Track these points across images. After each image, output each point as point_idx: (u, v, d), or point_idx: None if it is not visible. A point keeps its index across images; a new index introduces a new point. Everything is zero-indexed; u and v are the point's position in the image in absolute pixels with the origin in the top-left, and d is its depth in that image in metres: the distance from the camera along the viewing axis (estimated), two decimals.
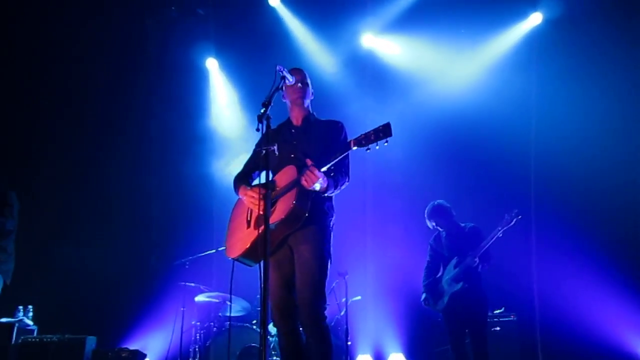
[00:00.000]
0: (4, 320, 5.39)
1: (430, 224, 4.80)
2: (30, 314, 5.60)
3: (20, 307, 5.55)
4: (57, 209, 6.44)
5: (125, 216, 6.70)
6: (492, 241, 4.49)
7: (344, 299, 5.45)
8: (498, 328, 5.40)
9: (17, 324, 5.33)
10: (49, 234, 6.34)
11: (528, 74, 6.45)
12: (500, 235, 4.48)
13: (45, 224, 6.24)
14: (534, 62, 6.48)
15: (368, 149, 2.73)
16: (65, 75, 6.56)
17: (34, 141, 6.52)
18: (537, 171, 6.32)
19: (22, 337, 5.26)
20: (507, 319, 5.49)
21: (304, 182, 2.78)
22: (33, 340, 5.25)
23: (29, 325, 5.52)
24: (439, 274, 4.74)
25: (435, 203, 4.80)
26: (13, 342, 5.20)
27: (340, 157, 2.83)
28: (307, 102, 3.21)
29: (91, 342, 5.39)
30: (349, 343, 5.42)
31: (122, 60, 6.81)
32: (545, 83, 6.30)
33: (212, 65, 7.26)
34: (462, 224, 4.80)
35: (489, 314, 5.24)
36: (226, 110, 7.28)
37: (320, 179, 2.79)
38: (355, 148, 2.77)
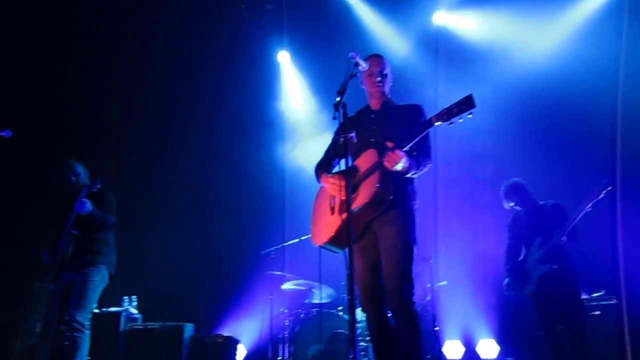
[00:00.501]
0: (112, 309, 5.88)
1: (507, 205, 4.56)
2: (135, 303, 6.05)
3: (126, 297, 6.02)
4: (148, 201, 6.88)
5: (215, 209, 7.02)
6: (579, 217, 4.17)
7: (429, 285, 5.38)
8: (598, 312, 5.07)
9: (123, 313, 5.78)
10: (146, 229, 6.80)
11: (615, 38, 5.92)
12: (589, 209, 4.16)
13: (140, 216, 6.70)
14: (622, 24, 5.93)
15: (451, 123, 2.65)
16: (142, 68, 6.89)
17: (116, 132, 6.88)
18: (625, 142, 5.82)
19: (128, 325, 5.69)
20: (607, 302, 5.13)
21: (386, 163, 2.75)
22: (138, 327, 5.66)
23: (133, 314, 5.97)
24: (522, 256, 4.51)
25: (511, 181, 4.56)
26: (121, 329, 5.66)
27: (423, 134, 2.78)
28: (387, 90, 3.18)
29: (189, 328, 5.73)
30: (437, 328, 5.34)
31: (196, 55, 7.07)
32: (635, 46, 5.76)
33: (283, 57, 7.38)
34: (542, 202, 4.51)
35: (587, 297, 4.92)
36: (297, 99, 7.37)
37: (403, 159, 2.75)
38: (438, 123, 2.69)
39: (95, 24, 6.74)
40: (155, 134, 7.07)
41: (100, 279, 4.18)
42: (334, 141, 3.21)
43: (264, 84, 7.34)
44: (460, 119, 2.63)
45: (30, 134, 6.22)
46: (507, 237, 4.67)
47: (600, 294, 5.18)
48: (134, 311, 5.98)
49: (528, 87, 6.14)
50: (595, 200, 4.13)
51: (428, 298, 5.38)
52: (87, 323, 4.01)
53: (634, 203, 5.48)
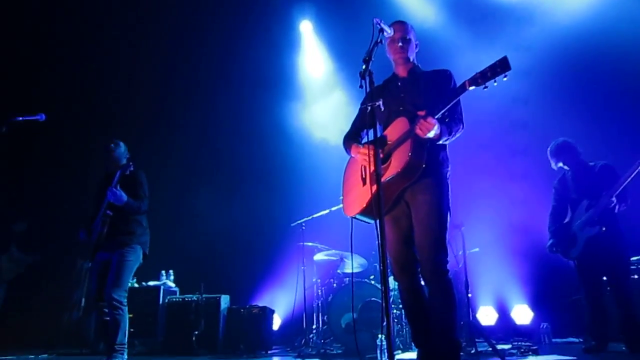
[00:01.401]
0: (151, 283, 6.08)
1: (554, 164, 4.44)
2: (172, 277, 6.24)
3: (163, 271, 6.21)
4: (181, 178, 7.02)
5: (246, 184, 7.12)
6: (631, 178, 4.01)
7: (460, 252, 5.35)
8: (636, 276, 4.96)
9: (162, 286, 5.98)
10: (180, 206, 6.96)
11: None
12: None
13: (174, 194, 6.84)
14: None
15: (485, 87, 2.54)
16: (165, 40, 6.99)
17: (146, 106, 7.04)
18: None
19: (167, 298, 5.89)
20: None
21: (418, 131, 2.70)
22: (177, 300, 5.85)
23: (171, 287, 6.17)
24: (567, 218, 4.40)
25: (560, 140, 4.43)
26: (161, 302, 5.86)
27: (455, 100, 2.69)
28: (412, 57, 3.10)
29: (225, 300, 5.89)
30: (470, 295, 5.33)
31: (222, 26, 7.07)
32: None
33: (306, 27, 7.29)
34: (591, 163, 4.38)
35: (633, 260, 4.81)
36: (319, 66, 7.27)
37: (435, 126, 2.69)
38: (471, 88, 2.60)
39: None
40: (188, 108, 7.15)
41: (135, 259, 4.28)
42: (362, 111, 3.16)
43: (287, 54, 7.30)
44: (495, 82, 2.53)
45: (64, 116, 6.39)
46: (553, 198, 4.56)
47: (639, 257, 5.06)
48: (172, 284, 6.17)
49: (563, 51, 5.92)
50: None
51: (460, 265, 5.36)
52: (124, 300, 4.13)
53: None
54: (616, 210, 4.12)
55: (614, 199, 4.06)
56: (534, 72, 5.92)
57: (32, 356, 5.44)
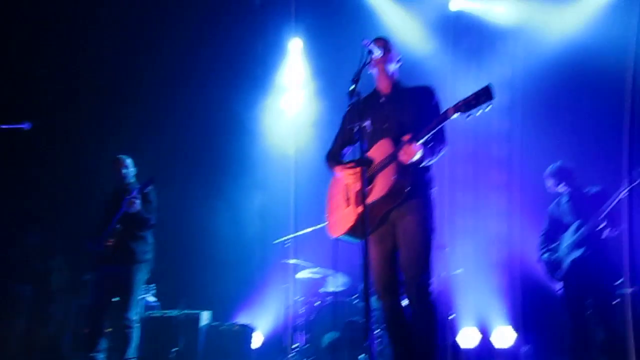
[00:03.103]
0: None
1: (553, 187, 4.48)
2: (154, 291, 6.14)
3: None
4: (167, 187, 6.92)
5: (228, 200, 7.05)
6: (615, 202, 4.06)
7: (444, 273, 5.36)
8: (619, 300, 5.00)
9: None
10: (163, 218, 6.86)
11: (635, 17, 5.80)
12: (626, 194, 4.07)
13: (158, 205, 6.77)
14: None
15: (469, 115, 2.57)
16: (154, 60, 6.95)
17: (137, 114, 6.93)
18: None
19: (147, 313, 5.76)
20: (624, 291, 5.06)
21: (402, 158, 2.72)
22: (156, 315, 5.74)
23: (152, 302, 6.05)
24: (558, 241, 4.46)
25: (559, 163, 4.50)
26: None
27: (438, 127, 2.72)
28: (392, 68, 3.09)
29: (206, 316, 5.80)
30: (453, 316, 5.34)
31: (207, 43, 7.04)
32: None
33: (295, 45, 7.35)
34: (586, 189, 4.44)
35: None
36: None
37: (419, 152, 2.72)
38: (455, 116, 2.62)
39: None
40: (166, 114, 7.08)
41: (142, 277, 4.54)
42: (344, 129, 3.16)
43: (272, 74, 7.33)
44: (478, 111, 2.55)
45: (62, 125, 6.31)
46: (546, 222, 4.61)
47: (619, 281, 5.12)
48: (152, 299, 6.06)
49: (548, 68, 6.04)
50: (634, 185, 4.04)
51: (443, 286, 5.37)
52: (137, 318, 4.44)
53: None
54: (604, 235, 4.15)
55: (601, 221, 4.11)
56: (515, 86, 6.00)
57: None
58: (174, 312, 5.66)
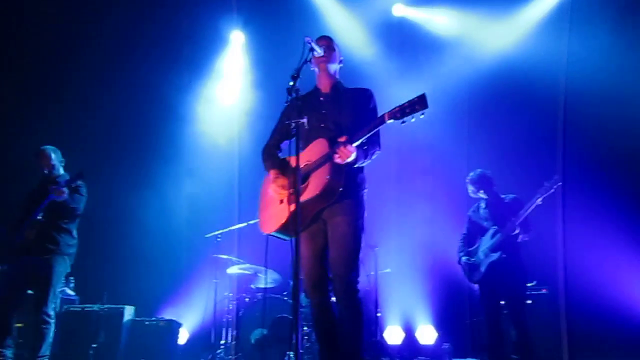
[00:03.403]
0: None
1: (474, 192, 4.72)
2: (72, 284, 5.83)
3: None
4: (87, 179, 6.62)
5: (157, 190, 6.82)
6: (530, 209, 4.37)
7: (372, 272, 5.49)
8: (530, 301, 5.35)
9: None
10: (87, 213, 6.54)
11: (562, 40, 6.24)
12: (540, 202, 4.37)
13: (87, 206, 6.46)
14: (569, 26, 6.25)
15: (403, 122, 2.65)
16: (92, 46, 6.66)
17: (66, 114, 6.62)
18: (570, 138, 6.17)
19: (65, 307, 5.49)
20: (538, 292, 5.43)
21: (337, 159, 2.76)
22: (75, 309, 5.48)
23: (71, 296, 5.76)
24: (476, 245, 4.69)
25: (479, 171, 4.74)
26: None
27: (373, 131, 2.78)
28: (334, 68, 3.12)
29: (129, 311, 5.60)
30: (379, 314, 5.48)
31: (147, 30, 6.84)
32: (578, 48, 6.09)
33: (237, 38, 7.26)
34: (503, 195, 4.71)
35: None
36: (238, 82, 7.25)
37: (354, 154, 2.77)
38: (390, 122, 2.69)
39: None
40: (104, 113, 6.78)
41: (63, 269, 4.35)
42: (282, 123, 3.15)
43: (210, 63, 7.19)
44: (412, 118, 2.64)
45: None
46: (465, 226, 4.86)
47: (532, 284, 5.47)
48: (71, 292, 5.78)
49: (476, 82, 6.36)
50: (546, 194, 4.35)
51: (372, 285, 5.49)
52: (53, 313, 4.21)
53: (575, 199, 5.85)
54: (519, 239, 4.43)
55: (516, 227, 4.37)
56: (442, 99, 6.20)
57: None
58: (94, 307, 5.42)
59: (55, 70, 6.61)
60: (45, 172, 4.46)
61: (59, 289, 4.59)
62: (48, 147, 4.55)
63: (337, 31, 6.69)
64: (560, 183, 4.36)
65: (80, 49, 6.67)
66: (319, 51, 2.89)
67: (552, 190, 4.35)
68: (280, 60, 6.08)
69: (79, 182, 4.39)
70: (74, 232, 4.47)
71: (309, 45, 2.82)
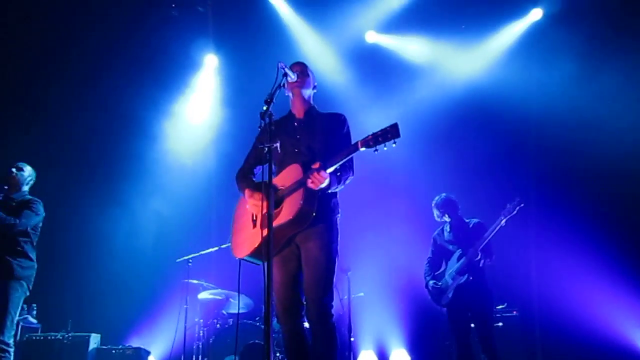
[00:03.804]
0: None
1: (439, 216, 4.80)
2: (34, 312, 5.62)
3: (24, 305, 5.57)
4: (52, 200, 6.46)
5: (127, 213, 6.70)
6: (494, 232, 4.46)
7: (345, 296, 5.47)
8: (500, 324, 5.41)
9: (21, 322, 5.35)
10: (47, 230, 6.35)
11: (529, 68, 6.50)
12: (504, 224, 4.46)
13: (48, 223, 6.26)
14: (535, 55, 6.53)
15: (376, 150, 2.70)
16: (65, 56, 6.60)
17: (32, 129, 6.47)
18: (538, 163, 6.37)
19: (26, 335, 5.29)
20: (509, 314, 5.50)
21: (310, 185, 2.77)
22: (37, 338, 5.28)
23: (33, 324, 5.55)
24: (442, 268, 4.74)
25: (444, 195, 4.82)
26: (18, 339, 5.23)
27: (347, 158, 2.82)
28: (308, 93, 3.16)
29: (95, 339, 5.42)
30: (352, 339, 5.44)
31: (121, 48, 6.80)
32: (547, 76, 6.34)
33: (210, 61, 7.30)
34: (467, 220, 4.81)
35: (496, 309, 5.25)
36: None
37: (327, 180, 2.80)
38: (363, 149, 2.74)
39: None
40: (72, 129, 6.65)
41: (19, 295, 4.14)
42: (256, 148, 3.17)
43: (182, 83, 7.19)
44: (385, 146, 2.69)
45: None
46: (430, 250, 4.92)
47: (502, 306, 5.54)
48: (33, 320, 5.57)
49: (445, 107, 6.52)
50: (509, 216, 4.45)
51: (345, 309, 5.46)
52: (11, 342, 4.02)
53: (546, 221, 6.01)
54: (481, 265, 4.52)
55: (479, 252, 4.45)
56: (414, 122, 6.32)
57: None
58: (58, 335, 5.23)
59: (23, 87, 6.50)
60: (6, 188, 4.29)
61: (17, 317, 4.32)
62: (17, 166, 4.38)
63: (311, 57, 6.80)
64: (522, 205, 4.45)
65: (51, 67, 6.58)
66: (292, 76, 2.92)
67: (515, 212, 4.46)
68: (253, 83, 6.14)
69: (33, 198, 4.25)
70: (31, 254, 4.26)
71: (282, 70, 2.86)
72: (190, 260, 5.54)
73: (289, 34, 6.97)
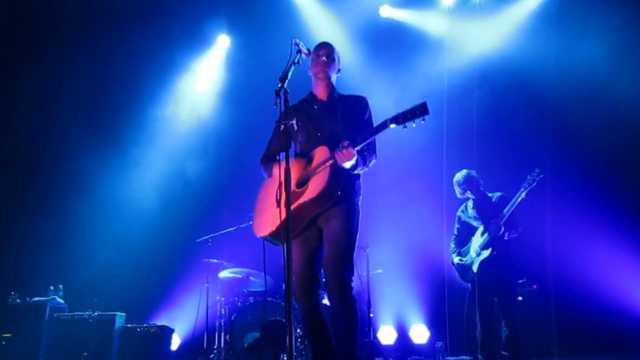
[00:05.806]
0: (36, 299, 5.57)
1: (461, 193, 4.77)
2: (61, 292, 5.76)
3: (52, 286, 5.72)
4: (74, 182, 6.56)
5: (149, 195, 6.78)
6: (515, 205, 4.44)
7: (364, 273, 5.49)
8: (520, 298, 5.39)
9: (49, 303, 5.50)
10: (71, 212, 6.47)
11: (546, 37, 6.32)
12: (525, 197, 4.43)
13: (65, 200, 6.37)
14: (553, 24, 6.34)
15: (405, 127, 2.73)
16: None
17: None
18: (554, 134, 6.25)
19: (54, 315, 5.43)
20: (529, 288, 5.47)
21: (338, 156, 2.79)
22: (65, 317, 5.42)
23: (60, 304, 5.70)
24: (467, 245, 4.73)
25: (465, 172, 4.80)
26: (47, 318, 5.38)
27: (375, 135, 2.85)
28: (332, 76, 3.16)
29: (120, 318, 5.54)
30: (372, 315, 5.48)
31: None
32: (564, 45, 6.17)
33: (223, 41, 7.26)
34: (490, 194, 4.77)
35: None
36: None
37: (355, 157, 2.82)
38: (392, 126, 2.76)
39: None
40: (89, 120, 6.72)
41: None
42: (276, 135, 3.19)
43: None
44: (413, 123, 2.72)
45: None
46: (455, 226, 4.92)
47: (522, 280, 5.52)
48: (61, 301, 5.71)
49: (464, 81, 6.40)
50: (529, 188, 4.42)
51: (364, 286, 5.50)
52: None
53: (563, 195, 5.92)
54: (506, 237, 4.47)
55: (502, 226, 4.41)
56: (432, 99, 6.23)
57: None
58: (84, 314, 5.36)
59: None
60: None
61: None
62: None
63: (324, 35, 6.70)
64: (542, 175, 4.42)
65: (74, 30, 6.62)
66: (305, 52, 2.89)
67: (535, 184, 4.42)
68: (266, 60, 6.10)
69: None
70: None
71: (296, 47, 2.82)
72: (210, 240, 5.61)
73: (300, 12, 6.87)
